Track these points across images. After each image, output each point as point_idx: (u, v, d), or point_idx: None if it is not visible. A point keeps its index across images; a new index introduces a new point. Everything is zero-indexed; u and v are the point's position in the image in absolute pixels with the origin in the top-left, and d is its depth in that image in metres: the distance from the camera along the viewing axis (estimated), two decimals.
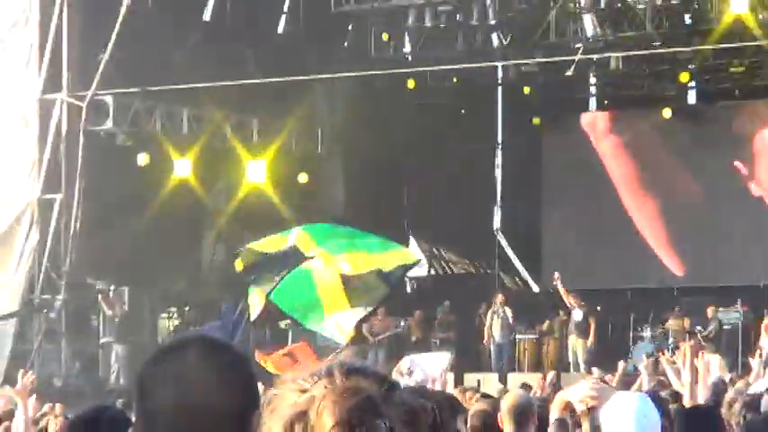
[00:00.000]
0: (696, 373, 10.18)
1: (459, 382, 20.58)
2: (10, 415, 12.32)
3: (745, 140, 27.90)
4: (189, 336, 2.89)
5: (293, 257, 15.44)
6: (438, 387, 13.23)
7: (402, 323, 25.68)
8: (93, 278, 26.29)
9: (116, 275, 26.29)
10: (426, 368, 18.32)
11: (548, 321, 26.60)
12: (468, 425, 7.69)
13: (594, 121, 30.18)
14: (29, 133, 25.47)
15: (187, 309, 27.36)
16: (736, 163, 27.65)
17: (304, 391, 2.07)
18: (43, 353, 25.21)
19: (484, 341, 26.14)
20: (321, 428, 2.01)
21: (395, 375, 20.18)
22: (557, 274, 24.43)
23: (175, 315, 27.44)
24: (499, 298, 26.10)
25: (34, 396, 9.11)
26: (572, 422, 6.13)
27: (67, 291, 25.32)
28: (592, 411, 5.50)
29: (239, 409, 2.20)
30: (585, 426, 5.31)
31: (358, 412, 2.01)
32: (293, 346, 18.41)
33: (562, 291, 24.46)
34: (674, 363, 11.98)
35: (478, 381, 21.99)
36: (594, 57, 26.64)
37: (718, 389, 10.79)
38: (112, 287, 25.93)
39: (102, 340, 25.64)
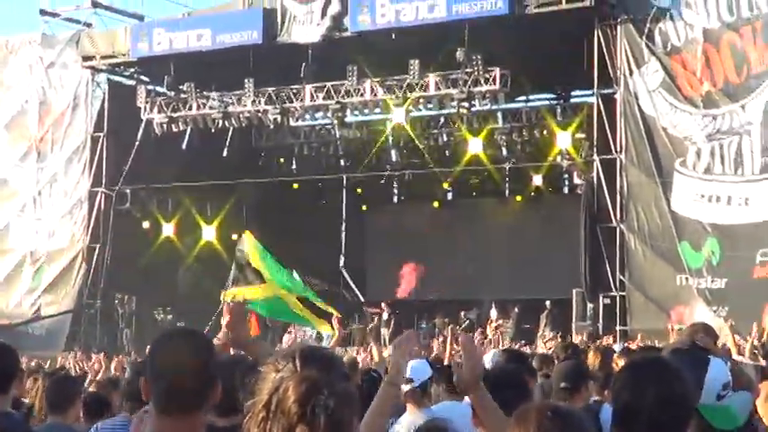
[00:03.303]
0: (451, 346, 12.37)
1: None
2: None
3: (479, 217, 34.57)
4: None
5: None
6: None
7: None
8: (115, 291, 32.05)
9: (129, 289, 32.07)
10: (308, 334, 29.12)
11: (368, 317, 32.20)
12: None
13: (394, 208, 37.41)
14: (82, 209, 32.67)
15: (168, 309, 31.97)
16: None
17: (278, 371, 2.49)
18: (86, 332, 31.48)
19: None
20: (287, 401, 2.40)
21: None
22: (383, 304, 30.56)
23: (161, 312, 32.06)
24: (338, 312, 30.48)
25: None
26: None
27: (101, 298, 32.04)
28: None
29: None
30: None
31: (308, 393, 2.39)
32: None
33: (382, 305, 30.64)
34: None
35: None
36: (396, 173, 34.85)
37: None
38: (126, 296, 32.00)
39: (120, 326, 31.98)
